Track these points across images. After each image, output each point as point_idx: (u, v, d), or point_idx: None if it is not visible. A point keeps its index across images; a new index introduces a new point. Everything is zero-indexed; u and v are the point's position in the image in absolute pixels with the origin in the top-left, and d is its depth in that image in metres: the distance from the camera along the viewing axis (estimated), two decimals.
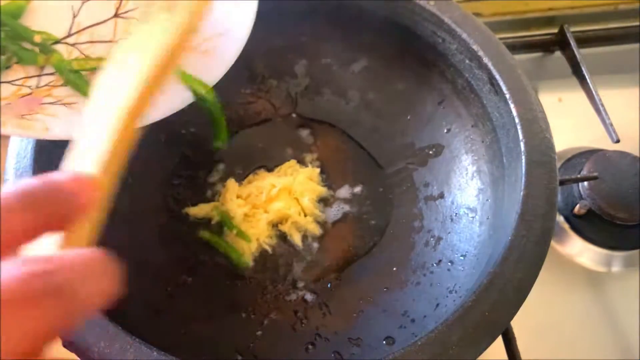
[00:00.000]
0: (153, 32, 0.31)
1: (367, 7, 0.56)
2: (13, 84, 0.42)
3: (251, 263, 0.56)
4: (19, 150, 0.47)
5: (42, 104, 0.41)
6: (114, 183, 0.27)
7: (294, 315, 0.53)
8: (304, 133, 0.64)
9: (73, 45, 0.43)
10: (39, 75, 0.42)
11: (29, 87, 0.42)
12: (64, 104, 0.42)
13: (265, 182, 0.59)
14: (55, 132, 0.41)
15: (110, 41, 0.43)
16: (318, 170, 0.61)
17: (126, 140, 0.28)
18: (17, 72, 0.42)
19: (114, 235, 0.50)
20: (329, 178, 0.61)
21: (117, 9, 0.43)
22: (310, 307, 0.54)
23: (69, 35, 0.43)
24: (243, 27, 0.44)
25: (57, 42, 0.43)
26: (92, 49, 0.43)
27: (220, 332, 0.51)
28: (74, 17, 0.43)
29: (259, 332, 0.52)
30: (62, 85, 0.43)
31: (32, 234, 0.21)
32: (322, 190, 0.60)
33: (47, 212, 0.21)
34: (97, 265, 0.21)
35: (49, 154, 0.46)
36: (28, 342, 0.18)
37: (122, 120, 0.28)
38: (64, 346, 0.41)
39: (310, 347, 0.51)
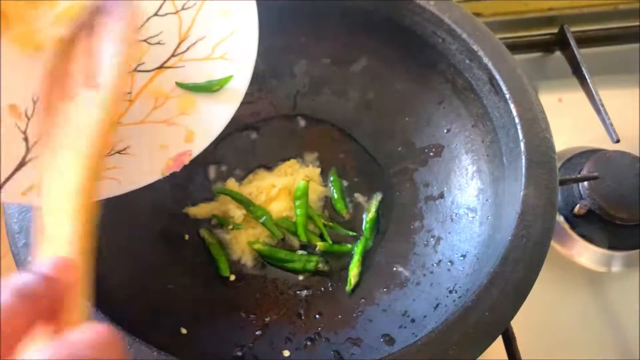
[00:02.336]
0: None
1: (367, 7, 0.56)
2: None
3: (232, 276, 0.56)
4: None
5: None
6: (88, 257, 0.29)
7: (293, 315, 0.53)
8: (304, 133, 0.64)
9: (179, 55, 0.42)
10: None
11: None
12: (118, 152, 0.41)
13: (265, 182, 0.59)
14: (126, 185, 0.40)
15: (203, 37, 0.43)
16: (318, 170, 0.61)
17: (87, 217, 0.30)
18: None
19: (116, 235, 0.51)
20: (328, 178, 0.61)
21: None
22: (310, 306, 0.54)
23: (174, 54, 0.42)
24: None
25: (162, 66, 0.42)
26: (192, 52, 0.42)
27: (220, 332, 0.51)
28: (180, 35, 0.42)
29: (259, 332, 0.52)
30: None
31: (29, 329, 0.22)
32: (323, 190, 0.60)
33: (40, 307, 0.23)
34: (104, 338, 0.23)
35: None
36: None
37: (76, 203, 0.30)
38: None
39: (310, 346, 0.51)
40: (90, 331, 0.23)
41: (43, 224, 0.30)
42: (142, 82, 0.42)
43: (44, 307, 0.23)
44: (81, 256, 0.28)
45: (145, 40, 0.42)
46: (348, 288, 0.54)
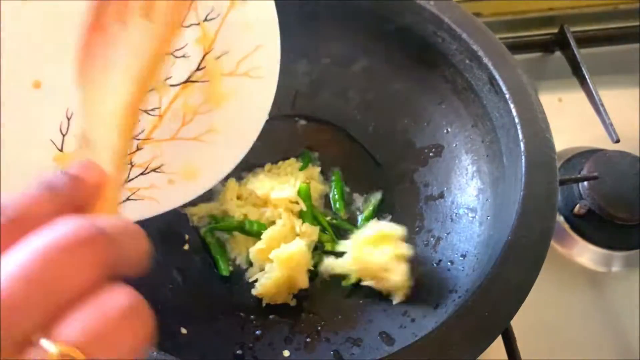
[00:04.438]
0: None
1: (367, 7, 0.56)
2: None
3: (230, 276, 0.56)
4: None
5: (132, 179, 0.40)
6: (122, 174, 0.30)
7: (293, 315, 0.53)
8: (304, 133, 0.64)
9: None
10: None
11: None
12: (154, 171, 0.40)
13: (265, 182, 0.59)
14: (165, 205, 0.40)
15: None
16: (318, 169, 0.61)
17: (130, 136, 0.31)
18: None
19: None
20: (328, 177, 0.61)
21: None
22: (310, 306, 0.54)
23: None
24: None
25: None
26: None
27: (220, 332, 0.51)
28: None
29: (259, 332, 0.52)
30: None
31: (47, 219, 0.23)
32: (322, 188, 0.60)
33: (61, 200, 0.24)
34: (129, 228, 0.26)
35: None
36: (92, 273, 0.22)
37: (124, 120, 0.31)
38: None
39: (310, 346, 0.51)
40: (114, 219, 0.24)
41: (87, 131, 0.30)
42: (169, 97, 0.41)
43: (64, 201, 0.24)
44: (118, 170, 0.29)
45: (171, 54, 0.40)
46: (345, 283, 0.54)
